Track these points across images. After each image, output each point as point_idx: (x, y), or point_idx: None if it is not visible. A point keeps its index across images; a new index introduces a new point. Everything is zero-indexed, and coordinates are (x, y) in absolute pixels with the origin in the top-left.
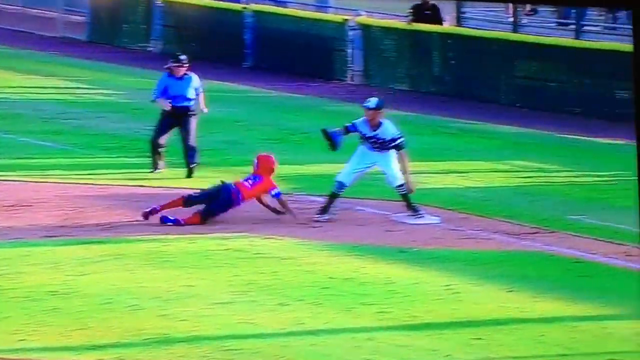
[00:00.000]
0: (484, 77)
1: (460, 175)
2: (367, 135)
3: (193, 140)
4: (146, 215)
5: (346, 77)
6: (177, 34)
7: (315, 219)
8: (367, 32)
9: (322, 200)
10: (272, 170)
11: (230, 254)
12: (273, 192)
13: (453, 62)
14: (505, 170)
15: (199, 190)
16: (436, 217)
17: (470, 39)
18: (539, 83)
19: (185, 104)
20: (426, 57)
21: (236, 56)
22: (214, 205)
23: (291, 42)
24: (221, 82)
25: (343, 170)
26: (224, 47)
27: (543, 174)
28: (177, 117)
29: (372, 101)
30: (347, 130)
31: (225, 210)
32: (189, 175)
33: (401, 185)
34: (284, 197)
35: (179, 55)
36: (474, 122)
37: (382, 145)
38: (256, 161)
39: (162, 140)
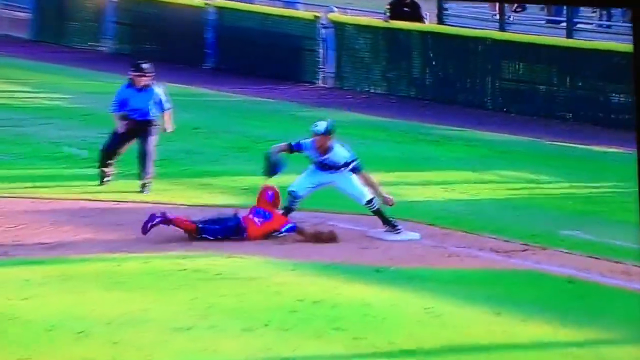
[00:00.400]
0: (468, 80)
1: (442, 187)
2: (315, 160)
3: (150, 156)
4: (162, 220)
5: (317, 79)
6: (132, 33)
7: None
8: (340, 31)
9: (292, 214)
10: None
11: (189, 274)
12: (286, 228)
13: (434, 63)
14: (492, 181)
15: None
16: (416, 233)
17: (453, 38)
18: (527, 86)
19: (146, 118)
20: (405, 58)
21: (196, 57)
22: (215, 226)
23: (257, 41)
24: (179, 85)
25: (296, 180)
26: (183, 47)
27: (533, 186)
28: (136, 131)
29: (321, 125)
30: (292, 149)
31: (222, 236)
32: (142, 192)
33: (371, 201)
34: (299, 227)
35: (141, 63)
36: (458, 128)
37: (333, 168)
38: (271, 193)
39: (119, 151)
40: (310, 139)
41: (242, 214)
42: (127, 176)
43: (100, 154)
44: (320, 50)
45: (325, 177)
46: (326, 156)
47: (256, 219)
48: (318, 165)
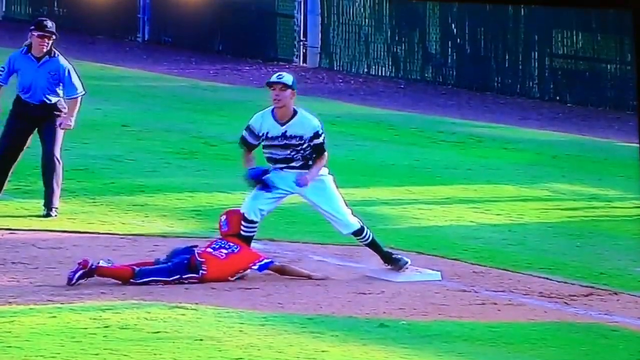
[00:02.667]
0: (507, 57)
1: (472, 207)
2: (272, 135)
3: (58, 163)
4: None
5: (295, 56)
6: None
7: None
8: None
9: (259, 246)
10: None
11: (114, 333)
12: (258, 266)
13: (458, 36)
14: (541, 198)
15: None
16: (436, 272)
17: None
18: (589, 65)
19: (46, 100)
20: (417, 28)
21: (126, 26)
22: (156, 269)
23: (209, 4)
24: (102, 65)
25: (246, 200)
26: (108, 14)
27: (599, 204)
28: (33, 120)
29: (285, 76)
30: (251, 140)
31: (172, 277)
32: (48, 214)
33: (361, 231)
34: (279, 264)
35: (44, 20)
36: (492, 125)
37: (296, 148)
38: (224, 220)
39: (13, 154)
40: (262, 112)
41: (199, 248)
42: (25, 193)
43: None
44: (299, 16)
45: (286, 181)
46: (289, 124)
47: (219, 253)
48: (274, 151)
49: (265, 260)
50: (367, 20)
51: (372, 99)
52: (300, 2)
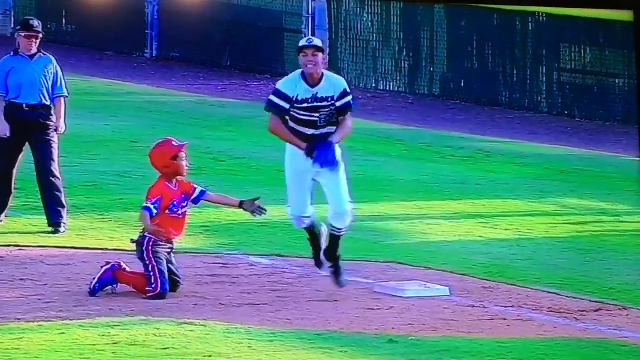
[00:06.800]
0: (515, 72)
1: (480, 222)
2: (302, 98)
3: (58, 175)
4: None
5: None
6: (38, 4)
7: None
8: (336, 4)
9: (267, 262)
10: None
11: (122, 349)
12: (196, 194)
13: (466, 50)
14: (550, 213)
15: None
16: (444, 287)
17: (491, 12)
18: (598, 80)
19: (43, 98)
20: (425, 43)
21: (134, 41)
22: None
23: (218, 19)
24: (109, 80)
25: (288, 212)
26: (116, 29)
27: (608, 219)
28: (26, 130)
29: (315, 40)
30: (284, 107)
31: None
32: (57, 230)
33: (340, 229)
34: (213, 194)
35: (30, 20)
36: (500, 140)
37: (324, 111)
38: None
39: (14, 170)
40: (289, 76)
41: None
42: (34, 210)
43: None
44: (307, 31)
45: (312, 169)
46: (319, 86)
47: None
48: (301, 117)
49: (200, 189)
50: (374, 35)
51: (380, 114)
52: (308, 17)
